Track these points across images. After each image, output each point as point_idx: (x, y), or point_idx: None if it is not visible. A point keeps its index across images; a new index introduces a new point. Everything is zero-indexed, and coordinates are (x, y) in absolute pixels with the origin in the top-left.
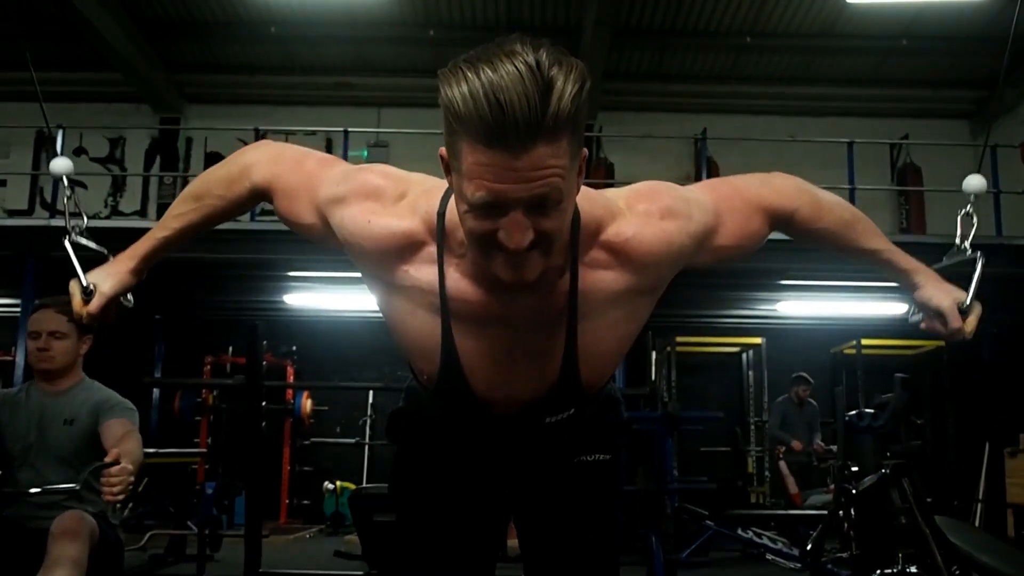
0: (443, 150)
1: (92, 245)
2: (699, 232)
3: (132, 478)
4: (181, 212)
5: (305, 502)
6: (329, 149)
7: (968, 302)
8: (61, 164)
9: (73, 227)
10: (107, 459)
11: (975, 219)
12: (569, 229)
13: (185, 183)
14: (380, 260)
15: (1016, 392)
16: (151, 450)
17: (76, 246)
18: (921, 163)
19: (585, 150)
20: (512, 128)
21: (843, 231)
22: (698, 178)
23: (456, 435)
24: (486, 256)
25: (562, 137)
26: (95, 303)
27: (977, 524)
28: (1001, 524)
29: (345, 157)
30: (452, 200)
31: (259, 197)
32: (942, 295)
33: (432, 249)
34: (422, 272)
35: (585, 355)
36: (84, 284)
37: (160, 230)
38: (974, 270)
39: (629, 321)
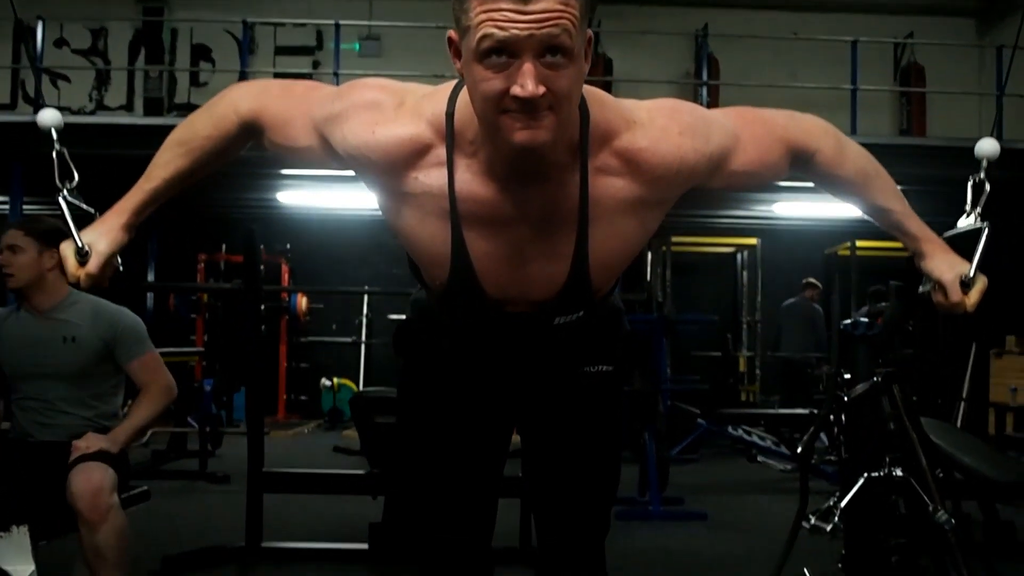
0: (451, 32)
1: (82, 205)
2: (715, 154)
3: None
4: (168, 160)
5: (302, 398)
6: (319, 42)
7: (971, 274)
8: (49, 117)
9: (65, 184)
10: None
11: (987, 186)
12: (579, 119)
13: (172, 77)
14: (388, 170)
15: (1006, 294)
16: None
17: (69, 205)
18: (925, 62)
19: (590, 32)
20: None
21: (862, 182)
22: (698, 75)
23: (464, 342)
24: (500, 121)
25: None
26: (93, 263)
27: (959, 424)
28: (983, 423)
29: (336, 50)
30: (461, 99)
31: (249, 131)
32: (945, 267)
33: (441, 151)
34: (431, 176)
35: (595, 258)
36: (79, 245)
37: (147, 181)
38: (978, 241)
39: (637, 230)
